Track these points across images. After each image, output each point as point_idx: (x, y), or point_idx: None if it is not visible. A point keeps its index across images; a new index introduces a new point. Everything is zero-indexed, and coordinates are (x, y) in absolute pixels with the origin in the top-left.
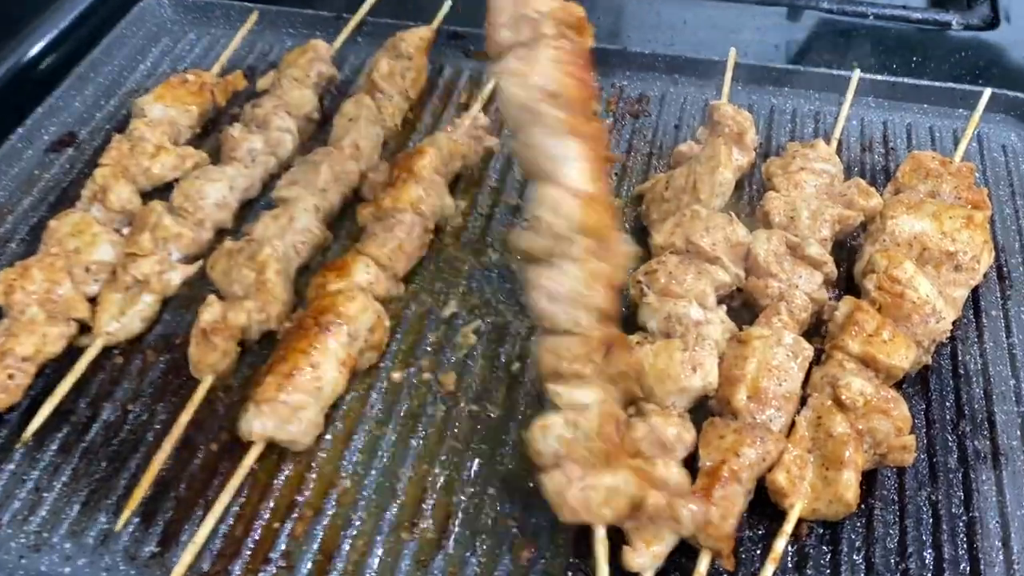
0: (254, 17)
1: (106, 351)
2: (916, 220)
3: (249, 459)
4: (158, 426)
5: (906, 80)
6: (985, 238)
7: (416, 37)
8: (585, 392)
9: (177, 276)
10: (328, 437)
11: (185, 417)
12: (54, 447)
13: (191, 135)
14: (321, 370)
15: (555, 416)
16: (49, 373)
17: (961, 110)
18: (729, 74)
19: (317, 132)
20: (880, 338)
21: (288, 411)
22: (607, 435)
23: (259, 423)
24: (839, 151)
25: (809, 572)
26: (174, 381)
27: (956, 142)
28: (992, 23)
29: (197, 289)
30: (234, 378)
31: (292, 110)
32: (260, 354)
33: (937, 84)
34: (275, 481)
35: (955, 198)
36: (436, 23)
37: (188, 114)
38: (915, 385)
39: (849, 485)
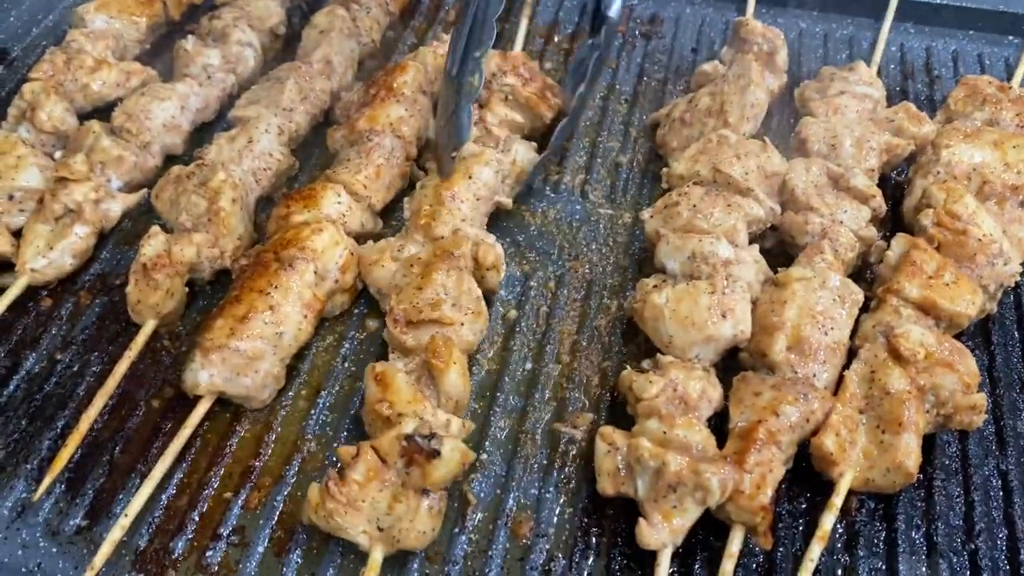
0: None
1: (31, 292)
2: (975, 150)
3: (195, 416)
4: (90, 379)
5: (950, 3)
6: None
7: None
8: None
9: (117, 207)
10: (291, 393)
11: (122, 367)
12: None
13: (139, 51)
14: (281, 313)
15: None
16: None
17: (1011, 37)
18: None
19: (284, 51)
20: (941, 281)
21: (242, 361)
22: None
23: (206, 374)
24: (879, 79)
25: (861, 552)
26: (111, 327)
27: (1009, 71)
28: None
29: (142, 223)
30: (181, 324)
31: (255, 23)
32: (213, 297)
33: (986, 7)
34: (227, 444)
35: (1017, 127)
36: None
37: (136, 26)
38: (976, 338)
39: (909, 451)
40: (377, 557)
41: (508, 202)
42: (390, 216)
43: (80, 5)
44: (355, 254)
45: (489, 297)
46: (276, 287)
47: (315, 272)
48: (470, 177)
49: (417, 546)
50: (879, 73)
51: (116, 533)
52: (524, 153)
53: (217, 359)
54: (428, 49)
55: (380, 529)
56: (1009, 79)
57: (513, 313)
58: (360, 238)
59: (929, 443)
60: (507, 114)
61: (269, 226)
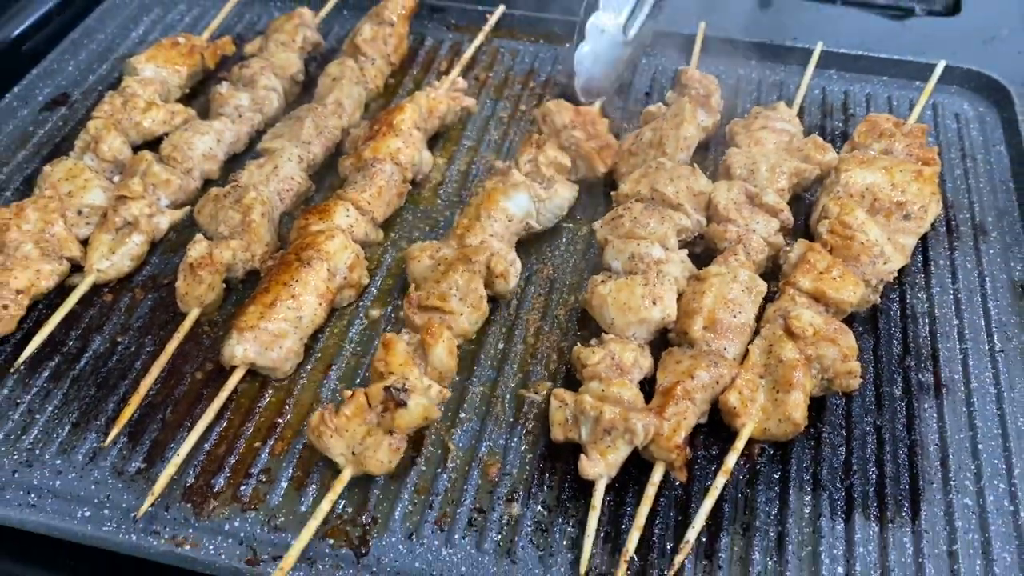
0: None
1: (96, 289)
2: (868, 173)
3: (232, 381)
4: (145, 356)
5: (868, 53)
6: (933, 190)
7: (399, 5)
8: None
9: (165, 220)
10: (308, 367)
11: (172, 346)
12: (46, 374)
13: (180, 95)
14: (301, 301)
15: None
16: (42, 308)
17: (918, 82)
18: (698, 45)
19: (302, 94)
20: (830, 275)
21: (269, 338)
22: None
23: (241, 348)
24: (801, 117)
25: (760, 487)
26: (161, 316)
27: (912, 109)
28: (954, 10)
29: (184, 235)
30: (219, 314)
31: (278, 71)
32: (244, 293)
33: (896, 57)
34: (257, 406)
35: (907, 155)
36: None
37: (178, 74)
38: (866, 324)
39: (797, 405)
40: (346, 475)
41: (537, 226)
42: (389, 228)
43: (131, 56)
44: (360, 256)
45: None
46: (297, 281)
47: (328, 270)
48: (508, 200)
49: (376, 472)
50: (801, 112)
51: (170, 469)
52: (564, 192)
53: (250, 336)
54: (422, 93)
55: (353, 454)
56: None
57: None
58: (364, 245)
59: (821, 404)
60: (557, 157)
61: (291, 235)
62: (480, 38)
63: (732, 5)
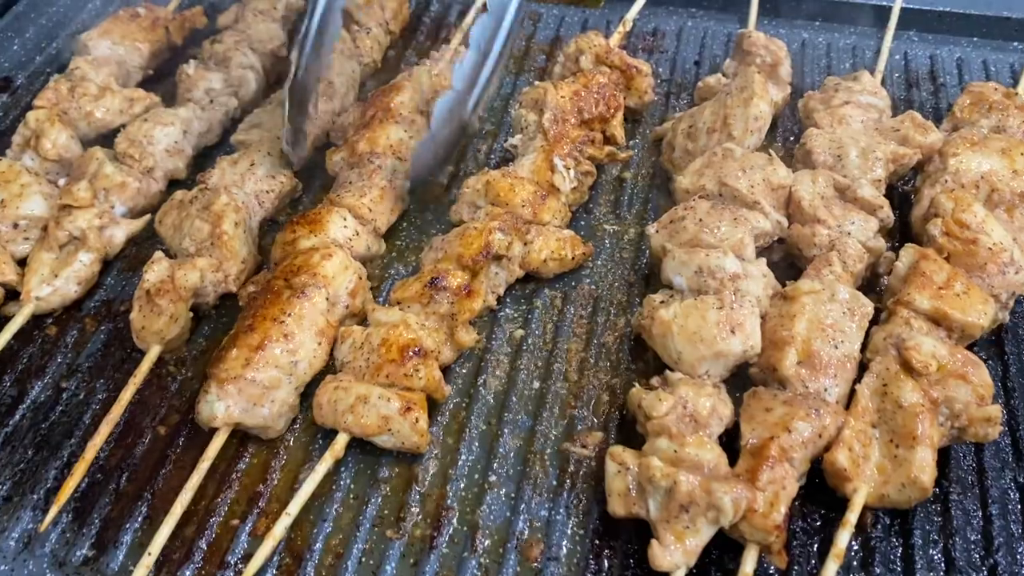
0: None
1: (37, 320)
2: (983, 158)
3: (212, 449)
4: (96, 407)
5: (954, 10)
6: None
7: None
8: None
9: (121, 232)
10: (299, 418)
11: (127, 395)
12: None
13: (142, 77)
14: (296, 341)
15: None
16: None
17: (1016, 43)
18: (755, 4)
19: (286, 71)
20: (952, 291)
21: (258, 391)
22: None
23: (223, 405)
24: (883, 88)
25: (877, 570)
26: (116, 354)
27: (1015, 77)
28: None
29: (147, 249)
30: (187, 349)
31: (256, 45)
32: (218, 321)
33: (989, 13)
34: (235, 470)
35: None
36: None
37: (138, 52)
38: (989, 348)
39: (925, 465)
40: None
41: None
42: (393, 237)
43: (83, 32)
44: (363, 278)
45: (495, 315)
46: (289, 315)
47: (327, 299)
48: None
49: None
50: (883, 82)
51: (141, 572)
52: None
53: (233, 390)
54: (423, 68)
55: None
56: (1015, 85)
57: (519, 332)
58: (365, 261)
59: (944, 456)
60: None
61: (274, 251)
62: None
63: None
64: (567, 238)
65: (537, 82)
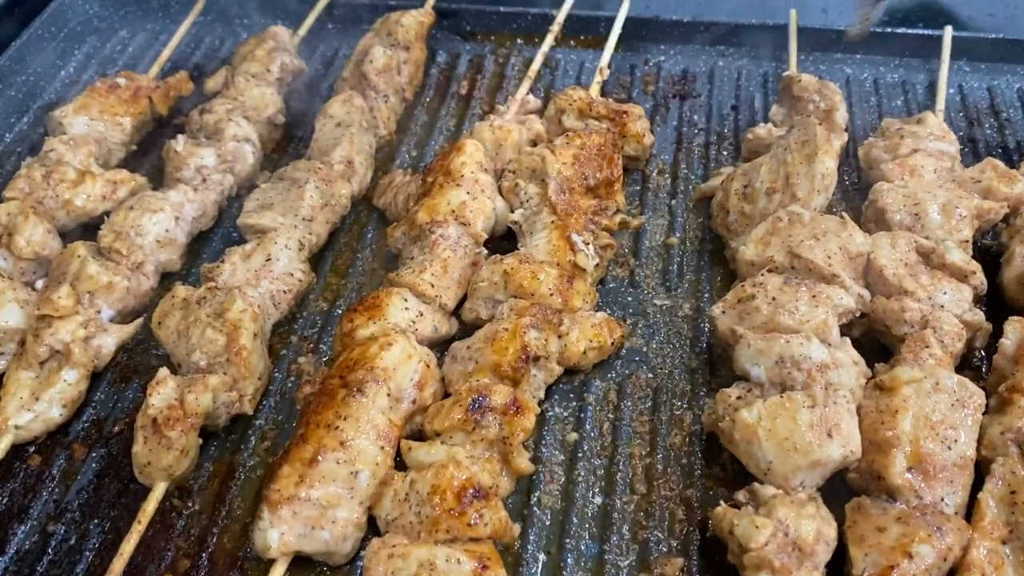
0: (200, 6)
1: (16, 450)
2: None
3: None
4: (90, 553)
5: (1007, 36)
6: None
7: (415, 21)
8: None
9: (110, 341)
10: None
11: (130, 545)
12: None
13: (125, 153)
14: (354, 449)
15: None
16: None
17: None
18: (794, 40)
19: (284, 140)
20: None
21: (316, 512)
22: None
23: (276, 532)
24: None
25: None
26: (112, 486)
27: None
28: None
29: (139, 355)
30: (193, 478)
31: (251, 113)
32: (226, 441)
33: None
34: None
35: None
36: (431, 2)
37: (120, 128)
38: None
39: None
40: None
41: None
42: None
43: (57, 108)
44: (431, 366)
45: (543, 415)
46: (345, 418)
47: (388, 395)
48: None
49: None
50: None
51: None
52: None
53: (287, 513)
54: (484, 124)
55: None
56: None
57: (573, 436)
58: (434, 345)
59: None
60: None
61: (334, 345)
62: (549, 41)
63: None
64: (602, 322)
65: (529, 148)
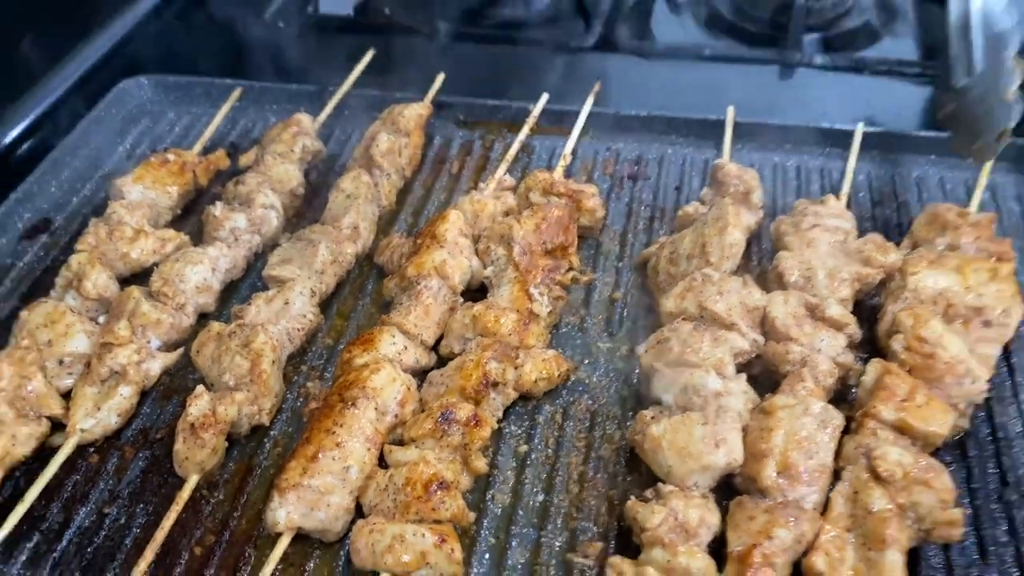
0: (236, 94)
1: (80, 449)
2: (939, 275)
3: (277, 551)
4: (137, 530)
5: (911, 132)
6: (1014, 290)
7: (415, 113)
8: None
9: (156, 365)
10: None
11: (169, 521)
12: (23, 558)
13: (171, 216)
14: (347, 449)
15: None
16: (19, 476)
17: (969, 160)
18: (729, 132)
19: (303, 208)
20: (914, 403)
21: (315, 496)
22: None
23: (284, 512)
24: (849, 207)
25: None
26: (154, 479)
27: (969, 193)
28: None
29: (178, 380)
30: (219, 474)
31: (276, 186)
32: (246, 447)
33: (944, 135)
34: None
35: (976, 250)
36: (430, 97)
37: (168, 195)
38: (954, 452)
39: (895, 567)
40: None
41: None
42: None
43: (117, 174)
44: (411, 388)
45: (501, 432)
46: (341, 425)
47: (375, 409)
48: None
49: None
50: (849, 202)
51: None
52: None
53: (293, 497)
54: (467, 197)
55: None
56: (968, 201)
57: (524, 448)
58: (415, 373)
59: (915, 554)
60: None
61: (335, 371)
62: (525, 130)
63: (753, 83)
64: (552, 358)
65: (501, 218)
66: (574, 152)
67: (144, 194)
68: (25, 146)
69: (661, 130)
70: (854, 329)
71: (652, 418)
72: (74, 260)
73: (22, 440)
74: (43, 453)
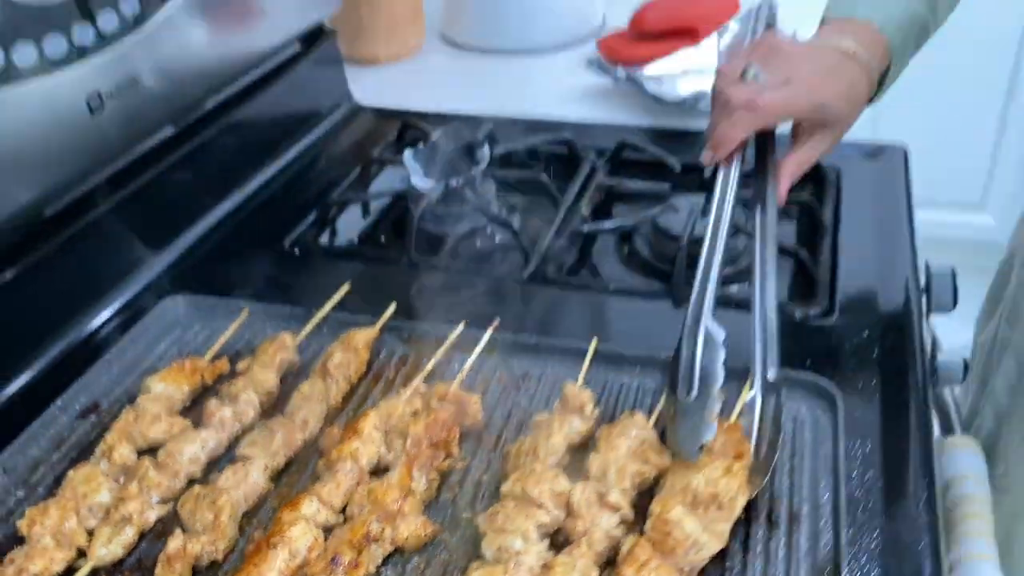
0: (245, 313)
1: (95, 571)
2: (689, 473)
3: None
4: None
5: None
6: (741, 482)
7: (364, 337)
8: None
9: (154, 515)
10: None
11: None
12: None
13: (182, 407)
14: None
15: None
16: None
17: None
18: (587, 361)
19: (276, 403)
20: (649, 567)
21: None
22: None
23: None
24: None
25: None
26: None
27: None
28: (827, 313)
29: (166, 524)
30: None
31: (257, 388)
32: (205, 574)
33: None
34: None
35: (723, 451)
36: (380, 324)
37: (181, 392)
38: None
39: None
40: None
41: None
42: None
43: (149, 372)
44: (319, 540)
45: (379, 573)
46: (264, 563)
47: (289, 551)
48: None
49: None
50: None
51: None
52: None
53: None
54: (384, 401)
55: None
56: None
57: None
58: (326, 529)
59: None
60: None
61: (272, 525)
62: (441, 352)
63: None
64: (420, 522)
65: (407, 417)
66: (476, 367)
67: (165, 389)
68: (89, 345)
69: (545, 352)
70: (627, 511)
71: (475, 568)
72: (109, 436)
73: (57, 561)
74: (69, 571)
